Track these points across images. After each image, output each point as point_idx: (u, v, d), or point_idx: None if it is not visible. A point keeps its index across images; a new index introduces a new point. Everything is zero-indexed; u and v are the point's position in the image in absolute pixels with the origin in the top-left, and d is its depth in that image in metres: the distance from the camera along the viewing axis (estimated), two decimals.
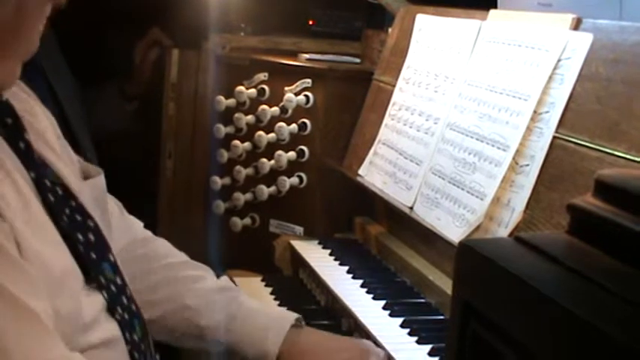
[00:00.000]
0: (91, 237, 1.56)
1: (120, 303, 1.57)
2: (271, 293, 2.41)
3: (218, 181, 2.94)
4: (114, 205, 2.02)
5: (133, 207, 2.85)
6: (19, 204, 1.37)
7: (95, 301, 1.51)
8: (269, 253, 2.72)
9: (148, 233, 2.12)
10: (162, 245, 2.09)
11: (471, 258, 0.94)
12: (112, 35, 3.30)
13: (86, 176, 1.75)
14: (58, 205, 1.49)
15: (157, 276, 1.98)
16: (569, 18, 1.95)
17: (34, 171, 1.47)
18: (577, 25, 1.94)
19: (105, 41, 3.32)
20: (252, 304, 1.96)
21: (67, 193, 1.55)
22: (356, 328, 2.09)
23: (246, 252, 2.84)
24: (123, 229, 1.99)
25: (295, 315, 1.92)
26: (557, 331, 0.81)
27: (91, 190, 1.72)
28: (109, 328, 1.54)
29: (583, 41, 1.87)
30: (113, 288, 1.57)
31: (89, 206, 1.61)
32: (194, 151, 3.09)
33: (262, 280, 2.51)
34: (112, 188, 3.00)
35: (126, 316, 1.58)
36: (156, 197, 3.14)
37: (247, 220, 2.91)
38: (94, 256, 1.55)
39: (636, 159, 1.63)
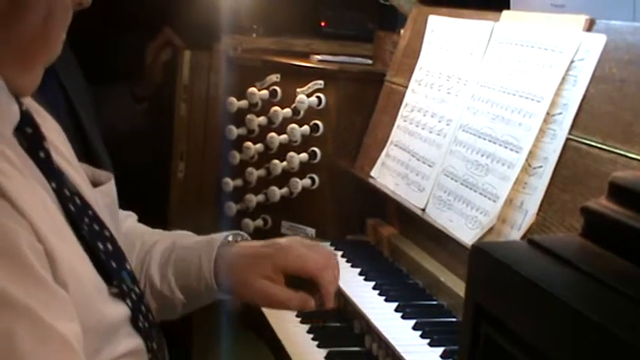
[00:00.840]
0: (109, 246, 1.54)
1: (140, 312, 1.56)
2: None
3: (230, 183, 2.94)
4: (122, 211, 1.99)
5: (143, 209, 2.85)
6: (44, 215, 1.34)
7: (120, 311, 1.49)
8: None
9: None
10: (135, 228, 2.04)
11: (484, 261, 0.93)
12: (124, 36, 3.30)
13: (95, 183, 1.71)
14: (78, 215, 1.47)
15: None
16: (582, 19, 1.94)
17: (54, 181, 1.44)
18: (590, 26, 1.93)
19: (116, 42, 3.32)
20: (187, 241, 1.91)
21: (84, 202, 1.53)
22: (368, 330, 2.09)
23: None
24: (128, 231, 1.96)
25: (225, 233, 1.89)
26: (570, 335, 0.81)
27: (103, 197, 1.68)
28: (134, 339, 1.52)
29: (596, 42, 1.86)
30: (134, 296, 1.56)
31: (103, 215, 1.59)
32: (206, 152, 3.09)
33: None
34: (123, 190, 3.03)
35: (147, 325, 1.57)
36: (167, 199, 3.14)
37: (259, 222, 2.91)
38: (114, 265, 1.52)
39: None
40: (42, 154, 1.45)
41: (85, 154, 2.91)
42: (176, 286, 1.85)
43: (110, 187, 1.75)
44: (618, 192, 0.94)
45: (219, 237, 1.88)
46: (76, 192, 1.52)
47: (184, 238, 1.95)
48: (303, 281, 1.81)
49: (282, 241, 1.89)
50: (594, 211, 0.94)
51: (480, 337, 0.93)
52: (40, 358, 1.19)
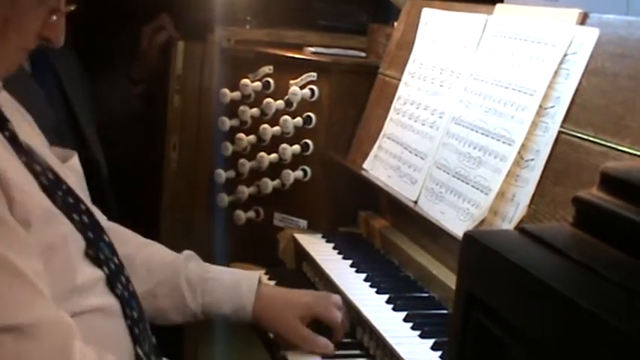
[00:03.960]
0: (85, 219, 1.62)
1: (119, 281, 1.63)
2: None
3: (222, 174, 2.94)
4: None
5: (137, 198, 2.86)
6: (17, 176, 1.43)
7: (93, 271, 1.58)
8: (273, 247, 2.72)
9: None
10: (124, 229, 2.16)
11: (475, 249, 0.94)
12: (122, 25, 3.31)
13: (63, 160, 1.81)
14: (52, 189, 1.54)
15: (134, 253, 2.06)
16: (575, 13, 1.95)
17: (24, 156, 1.53)
18: (583, 20, 1.93)
19: (114, 30, 3.33)
20: (216, 267, 2.13)
21: (57, 177, 1.59)
22: (359, 322, 2.09)
23: (249, 245, 2.84)
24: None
25: (258, 273, 2.14)
26: (560, 322, 0.81)
27: (72, 173, 1.78)
28: (107, 299, 1.60)
29: (589, 36, 1.87)
30: (112, 266, 1.64)
31: (76, 189, 1.67)
32: (199, 143, 3.09)
33: (266, 274, 2.50)
34: (118, 179, 3.04)
35: (125, 294, 1.64)
36: (160, 189, 3.14)
37: (251, 214, 2.91)
38: (91, 235, 1.60)
39: None
40: (6, 133, 1.54)
41: (77, 140, 2.92)
42: (201, 301, 2.05)
43: (75, 162, 1.86)
44: (609, 182, 0.94)
45: (254, 274, 2.13)
46: (47, 167, 1.58)
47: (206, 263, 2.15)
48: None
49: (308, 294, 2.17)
50: (585, 200, 0.94)
51: (471, 324, 0.93)
52: None
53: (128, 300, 1.65)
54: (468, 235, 0.95)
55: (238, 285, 2.06)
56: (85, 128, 2.94)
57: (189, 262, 2.09)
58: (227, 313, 2.06)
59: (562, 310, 0.81)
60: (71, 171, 1.79)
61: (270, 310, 2.04)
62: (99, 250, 1.61)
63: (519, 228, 0.96)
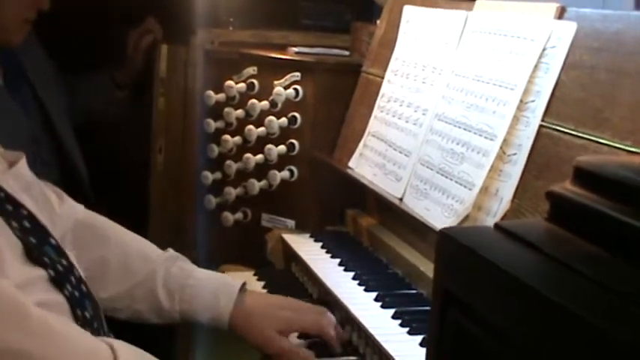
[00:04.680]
0: (27, 224, 1.62)
1: (68, 281, 1.63)
2: (263, 287, 2.42)
3: (209, 176, 2.94)
4: (51, 193, 2.06)
5: (124, 200, 2.86)
6: None
7: (32, 271, 1.57)
8: (261, 248, 2.72)
9: (90, 213, 2.16)
10: (105, 222, 2.16)
11: (451, 246, 0.94)
12: (107, 28, 3.31)
13: (11, 164, 1.80)
14: None
15: (111, 254, 2.06)
16: (553, 7, 1.95)
17: None
18: (561, 14, 1.94)
19: (98, 31, 3.33)
20: (200, 272, 2.08)
21: None
22: (348, 320, 2.10)
23: (238, 246, 2.84)
24: (67, 215, 2.06)
25: (241, 281, 2.07)
26: (535, 318, 0.82)
27: (17, 178, 1.77)
28: (53, 296, 1.59)
29: (567, 30, 1.88)
30: (60, 267, 1.63)
31: (20, 196, 1.66)
32: (184, 146, 3.09)
33: (254, 275, 2.51)
34: (103, 182, 3.04)
35: (76, 294, 1.64)
36: (147, 193, 3.14)
37: (239, 215, 2.91)
38: (33, 240, 1.60)
39: (620, 146, 1.64)
40: None
41: (56, 149, 2.93)
42: (179, 308, 2.03)
43: (22, 166, 1.84)
44: (582, 176, 0.95)
45: (236, 283, 2.06)
46: None
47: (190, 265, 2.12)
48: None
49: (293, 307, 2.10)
50: (559, 195, 0.95)
51: (448, 322, 0.94)
52: None
53: (79, 300, 1.63)
54: (443, 233, 0.95)
55: (217, 294, 2.03)
56: (63, 136, 2.95)
57: (172, 264, 2.07)
58: (204, 321, 2.04)
59: (536, 306, 0.81)
60: (16, 177, 1.77)
61: (246, 322, 2.01)
62: (42, 254, 1.60)
63: (495, 224, 0.97)
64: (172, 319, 2.06)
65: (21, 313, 1.38)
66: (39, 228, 1.66)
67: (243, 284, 2.07)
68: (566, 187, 0.95)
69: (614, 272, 0.84)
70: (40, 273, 1.58)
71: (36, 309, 1.41)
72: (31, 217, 1.65)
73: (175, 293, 2.03)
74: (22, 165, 1.84)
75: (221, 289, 2.03)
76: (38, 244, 1.61)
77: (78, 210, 2.13)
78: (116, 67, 3.28)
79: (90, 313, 1.67)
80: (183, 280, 2.05)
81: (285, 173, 2.79)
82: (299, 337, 2.07)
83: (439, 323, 0.94)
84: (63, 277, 1.62)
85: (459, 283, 0.93)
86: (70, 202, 2.12)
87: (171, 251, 2.14)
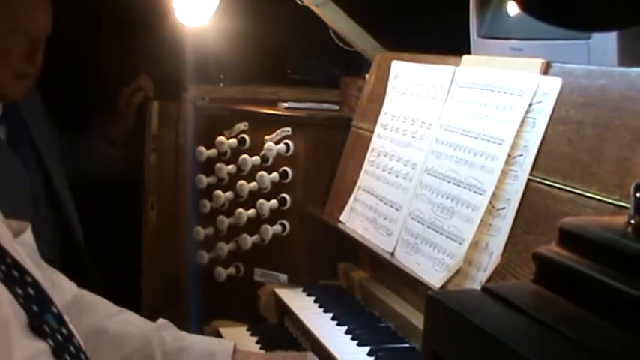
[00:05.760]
0: (31, 291, 1.62)
1: (68, 351, 1.63)
2: (257, 342, 2.41)
3: (201, 232, 2.95)
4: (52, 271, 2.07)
5: (117, 260, 2.86)
6: None
7: (34, 346, 1.56)
8: (254, 302, 2.72)
9: (82, 290, 2.17)
10: (97, 297, 2.16)
11: (439, 310, 0.95)
12: (101, 86, 3.34)
13: (17, 233, 1.81)
14: None
15: (107, 323, 2.06)
16: (538, 62, 1.98)
17: None
18: (546, 70, 1.97)
19: (92, 90, 3.36)
20: (192, 336, 2.10)
21: (2, 251, 1.60)
22: None
23: (231, 302, 2.84)
24: (68, 288, 2.07)
25: (233, 342, 2.10)
26: None
27: (23, 246, 1.78)
28: None
29: (553, 85, 1.90)
30: (59, 337, 1.63)
31: (26, 263, 1.67)
32: (177, 202, 3.10)
33: (248, 329, 2.51)
34: (97, 240, 3.04)
35: None
36: (140, 249, 3.14)
37: (231, 270, 2.91)
38: (35, 308, 1.60)
39: (608, 200, 1.65)
40: None
41: (52, 203, 2.94)
42: None
43: (28, 236, 1.86)
44: (567, 237, 0.96)
45: (229, 344, 2.09)
46: None
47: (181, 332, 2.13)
48: None
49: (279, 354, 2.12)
50: (544, 256, 0.96)
51: None
52: None
53: None
54: (431, 297, 0.96)
55: (213, 355, 2.04)
56: (60, 191, 2.96)
57: (163, 331, 2.08)
58: None
59: None
60: (22, 245, 1.79)
61: None
62: (44, 323, 1.61)
63: (482, 287, 0.98)
64: None
65: None
66: (42, 295, 1.66)
67: (234, 345, 2.09)
68: (551, 249, 0.96)
69: (597, 334, 0.84)
70: (42, 346, 1.58)
71: None
72: (36, 284, 1.66)
73: (173, 356, 2.03)
74: (28, 234, 1.87)
75: (216, 349, 2.05)
76: (40, 311, 1.62)
77: (73, 286, 2.15)
78: (109, 125, 3.30)
79: None
80: (178, 344, 2.05)
81: (277, 228, 2.80)
82: None
83: None
84: (62, 347, 1.63)
85: (447, 346, 0.94)
86: (65, 278, 2.14)
87: (161, 320, 2.14)
